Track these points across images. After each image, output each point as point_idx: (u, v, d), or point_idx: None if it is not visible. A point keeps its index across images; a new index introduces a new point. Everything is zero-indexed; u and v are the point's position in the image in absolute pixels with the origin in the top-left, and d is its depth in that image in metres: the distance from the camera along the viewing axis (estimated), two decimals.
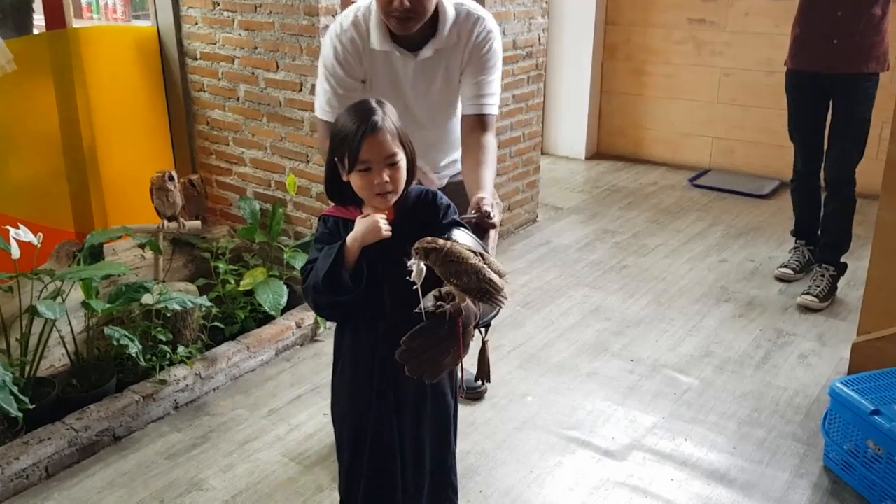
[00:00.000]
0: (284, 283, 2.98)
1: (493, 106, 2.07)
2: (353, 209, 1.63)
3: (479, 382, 2.61)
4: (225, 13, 3.32)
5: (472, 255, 1.42)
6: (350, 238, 1.55)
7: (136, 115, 3.54)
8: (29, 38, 3.29)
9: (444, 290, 1.46)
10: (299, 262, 2.98)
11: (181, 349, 2.73)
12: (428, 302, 1.44)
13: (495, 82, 2.08)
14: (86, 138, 3.33)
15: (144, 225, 3.11)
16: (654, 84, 5.31)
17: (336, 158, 1.59)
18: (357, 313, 1.62)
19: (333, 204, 1.67)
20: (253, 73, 3.31)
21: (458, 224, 1.61)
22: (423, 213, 1.63)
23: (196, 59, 3.51)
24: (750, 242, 4.03)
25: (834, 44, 3.15)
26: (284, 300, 2.91)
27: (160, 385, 2.60)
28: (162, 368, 2.66)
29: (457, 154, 2.23)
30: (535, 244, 4.04)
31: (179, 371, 2.67)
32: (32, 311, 2.43)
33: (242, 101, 3.39)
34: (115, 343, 2.50)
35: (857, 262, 3.52)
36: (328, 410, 1.86)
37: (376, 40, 2.00)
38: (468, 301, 1.46)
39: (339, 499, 1.87)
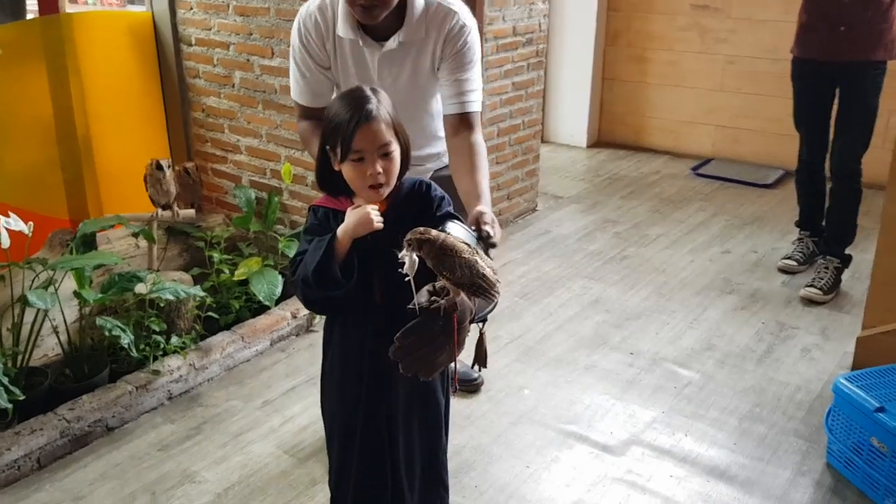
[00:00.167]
0: (279, 273, 2.95)
1: (475, 103, 2.00)
2: (344, 200, 1.59)
3: (476, 369, 2.58)
4: None
5: (465, 248, 1.38)
6: (340, 230, 1.50)
7: (130, 102, 3.50)
8: (22, 23, 3.26)
9: (438, 284, 1.42)
10: (294, 251, 2.94)
11: (175, 339, 2.70)
12: (422, 297, 1.40)
13: (475, 78, 2.01)
14: (80, 125, 3.29)
15: (138, 213, 3.08)
16: (656, 71, 5.24)
17: (328, 147, 1.55)
18: (347, 307, 1.58)
19: (324, 194, 1.63)
20: (248, 60, 3.26)
21: (452, 216, 1.57)
22: (417, 205, 1.59)
23: (191, 45, 3.46)
24: (753, 233, 3.98)
25: (841, 31, 3.09)
26: (279, 290, 2.87)
27: (153, 375, 2.57)
28: (155, 359, 2.63)
29: (436, 148, 2.18)
30: (534, 234, 3.99)
31: (173, 361, 2.64)
32: (24, 301, 2.40)
33: (238, 88, 3.35)
34: (107, 334, 2.47)
35: (862, 254, 3.47)
36: None
37: (342, 28, 1.94)
38: (463, 296, 1.41)
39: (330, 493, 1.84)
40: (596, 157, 5.26)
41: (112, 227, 2.91)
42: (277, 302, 2.92)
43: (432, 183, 1.64)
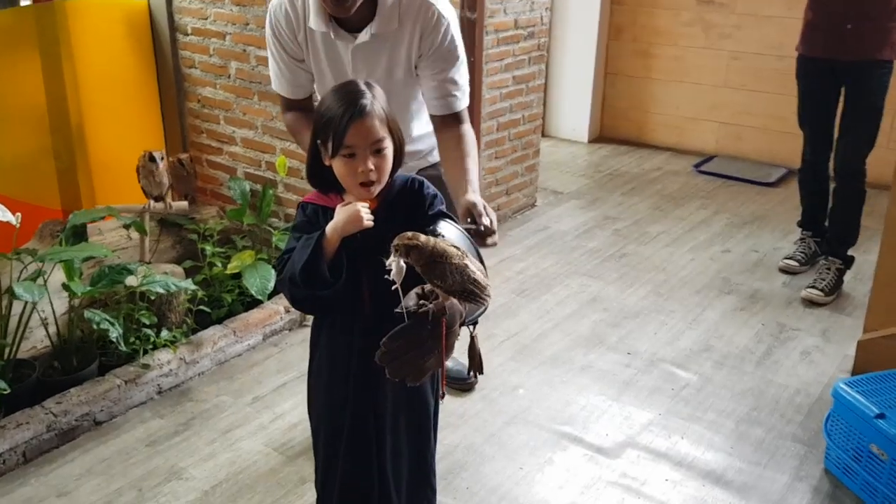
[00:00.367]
0: (273, 267, 2.90)
1: (461, 100, 1.95)
2: (334, 196, 1.55)
3: (471, 374, 2.54)
4: None
5: (455, 251, 1.33)
6: (329, 228, 1.46)
7: (125, 92, 3.46)
8: (16, 10, 3.21)
9: (428, 287, 1.37)
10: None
11: (165, 333, 2.67)
12: (410, 300, 1.35)
13: (461, 75, 1.95)
14: (73, 114, 3.25)
15: (130, 205, 3.04)
16: (660, 66, 5.19)
17: (319, 141, 1.50)
18: (336, 307, 1.54)
19: (315, 190, 1.59)
20: (244, 51, 3.21)
21: (444, 215, 1.52)
22: (408, 203, 1.55)
23: (187, 35, 3.41)
24: (754, 232, 3.93)
25: (847, 29, 3.04)
26: (272, 284, 2.83)
27: (143, 369, 2.54)
28: (146, 352, 2.60)
29: (418, 145, 2.10)
30: (533, 230, 3.94)
31: (163, 355, 2.61)
32: (11, 293, 2.36)
33: (233, 78, 3.30)
34: (95, 327, 2.43)
35: (865, 255, 3.42)
36: None
37: (314, 20, 1.88)
38: (452, 299, 1.37)
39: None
40: (597, 153, 5.21)
41: (103, 218, 2.87)
42: (270, 296, 2.88)
43: (425, 181, 1.60)
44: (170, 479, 2.22)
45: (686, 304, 3.20)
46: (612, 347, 2.88)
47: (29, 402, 2.36)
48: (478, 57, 3.50)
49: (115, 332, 2.44)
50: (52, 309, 2.53)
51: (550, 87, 5.24)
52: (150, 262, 2.96)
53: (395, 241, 1.31)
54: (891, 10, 3.01)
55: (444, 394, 1.57)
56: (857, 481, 2.13)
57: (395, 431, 1.63)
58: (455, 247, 1.34)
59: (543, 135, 4.79)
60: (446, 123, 1.94)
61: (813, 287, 3.22)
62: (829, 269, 3.28)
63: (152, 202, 3.05)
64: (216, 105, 3.43)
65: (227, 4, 3.20)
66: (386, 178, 1.51)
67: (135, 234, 3.07)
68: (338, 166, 1.49)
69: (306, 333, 2.90)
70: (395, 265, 1.30)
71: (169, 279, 2.59)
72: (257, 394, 2.61)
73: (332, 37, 1.90)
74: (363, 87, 1.49)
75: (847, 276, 3.32)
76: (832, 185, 3.34)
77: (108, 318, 2.46)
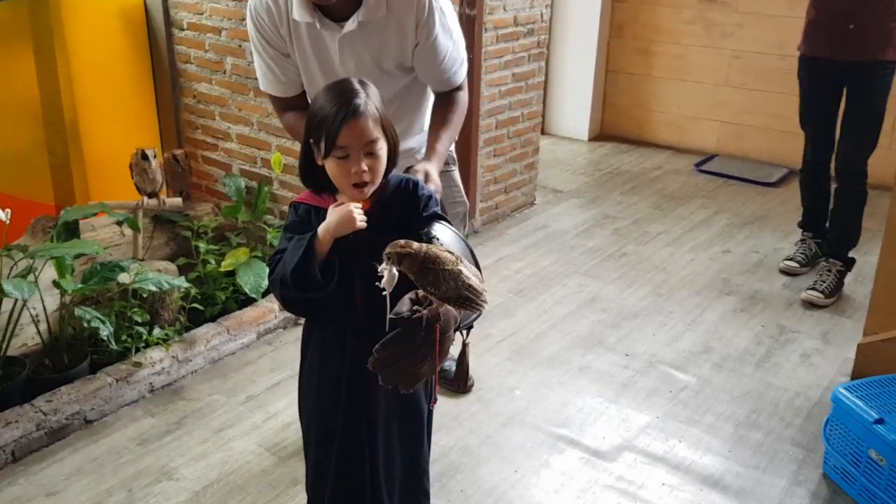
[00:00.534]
0: (267, 265, 2.87)
1: (460, 75, 1.99)
2: (327, 197, 1.52)
3: (458, 386, 2.52)
4: None
5: (449, 257, 1.29)
6: (321, 229, 1.43)
7: (120, 87, 3.42)
8: (9, 4, 3.16)
9: (421, 293, 1.34)
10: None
11: (158, 331, 2.64)
12: (403, 306, 1.32)
13: (456, 52, 1.95)
14: (67, 109, 3.22)
15: (123, 201, 3.01)
16: (661, 65, 5.15)
17: (311, 141, 1.47)
18: (327, 309, 1.51)
19: (307, 190, 1.56)
20: (240, 46, 3.18)
21: (438, 217, 1.49)
22: (402, 204, 1.52)
23: (183, 30, 3.37)
24: (755, 232, 3.90)
25: (850, 29, 3.00)
26: (266, 282, 2.80)
27: (135, 367, 2.51)
28: (138, 350, 2.57)
29: (409, 143, 2.07)
30: (531, 228, 3.91)
31: (156, 353, 2.58)
32: (0, 290, 2.33)
33: (229, 74, 3.27)
34: (86, 325, 2.40)
35: (866, 256, 3.39)
36: None
37: (297, 11, 1.82)
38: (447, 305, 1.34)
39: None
40: (597, 151, 5.17)
41: (95, 214, 2.84)
42: (264, 294, 2.84)
43: (419, 181, 1.57)
44: (160, 479, 2.19)
45: (685, 305, 3.17)
46: (610, 348, 2.85)
47: (19, 400, 2.34)
48: (477, 54, 3.46)
49: (105, 331, 2.41)
50: (44, 306, 2.50)
51: (551, 85, 5.21)
52: (143, 259, 2.94)
53: (388, 250, 1.28)
54: (894, 10, 2.97)
55: (435, 399, 1.54)
56: (856, 487, 2.10)
57: (388, 438, 1.60)
58: (449, 252, 1.30)
59: (543, 132, 4.76)
60: (447, 92, 1.99)
61: (813, 289, 3.19)
62: (829, 270, 3.25)
63: (146, 198, 3.02)
64: (211, 101, 3.40)
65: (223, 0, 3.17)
66: (380, 178, 1.48)
67: (128, 231, 3.04)
68: (330, 167, 1.46)
69: (300, 332, 2.89)
70: (387, 273, 1.27)
71: (162, 276, 2.56)
72: (251, 393, 2.58)
73: (318, 27, 1.84)
74: (357, 85, 1.45)
75: (848, 278, 3.29)
76: (833, 186, 3.31)
77: (98, 315, 2.43)
